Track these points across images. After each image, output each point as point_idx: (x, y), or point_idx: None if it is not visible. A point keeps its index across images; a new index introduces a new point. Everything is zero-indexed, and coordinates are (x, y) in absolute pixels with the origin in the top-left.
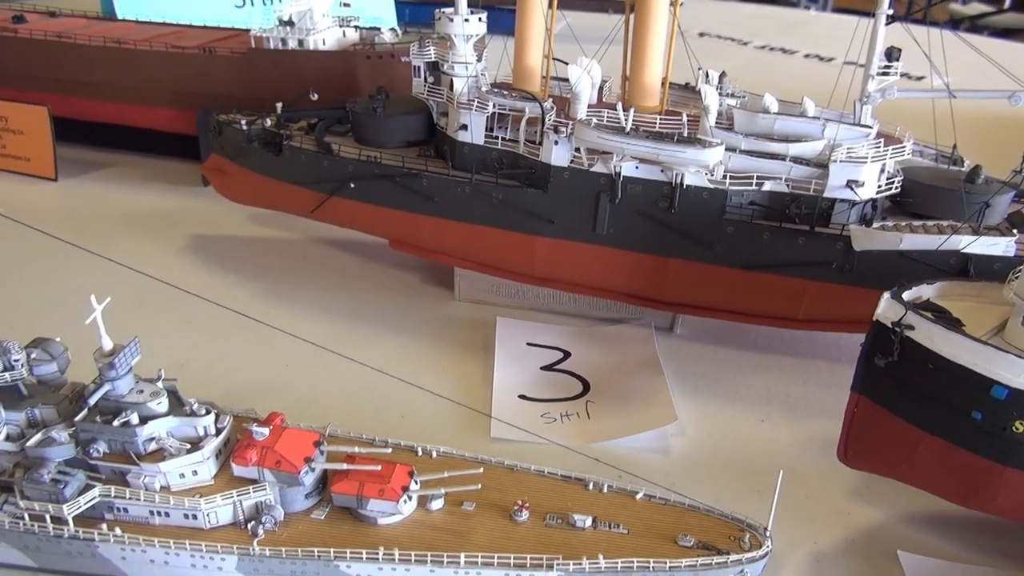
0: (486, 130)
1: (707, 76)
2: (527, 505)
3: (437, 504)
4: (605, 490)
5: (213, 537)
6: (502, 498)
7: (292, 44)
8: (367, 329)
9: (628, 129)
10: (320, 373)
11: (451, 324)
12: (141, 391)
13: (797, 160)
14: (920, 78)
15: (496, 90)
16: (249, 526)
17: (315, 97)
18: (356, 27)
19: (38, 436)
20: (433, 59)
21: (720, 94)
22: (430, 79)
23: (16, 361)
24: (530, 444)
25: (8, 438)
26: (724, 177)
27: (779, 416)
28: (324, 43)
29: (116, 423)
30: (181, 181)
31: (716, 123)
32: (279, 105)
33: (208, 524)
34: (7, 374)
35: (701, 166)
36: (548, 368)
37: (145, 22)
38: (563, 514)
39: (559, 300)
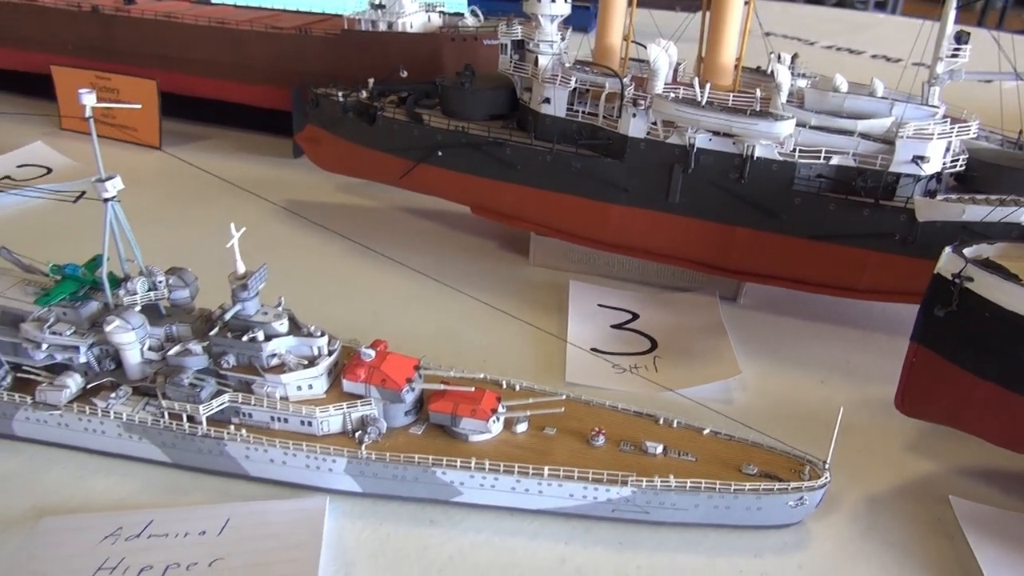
0: (567, 104)
1: (779, 58)
2: (603, 432)
3: (521, 427)
4: (675, 425)
5: (325, 442)
6: (580, 426)
7: (382, 27)
8: (448, 286)
9: (703, 103)
10: (404, 321)
11: (526, 286)
12: (266, 313)
13: (865, 136)
14: (989, 83)
15: (578, 66)
16: (356, 435)
17: (404, 74)
18: (440, 12)
19: (177, 347)
20: (519, 38)
21: (792, 74)
22: (515, 56)
23: (160, 283)
24: (602, 390)
25: (150, 348)
26: (793, 151)
27: (838, 379)
28: (411, 26)
29: (244, 339)
30: (272, 153)
31: (787, 101)
32: (371, 80)
33: (321, 431)
34: (152, 293)
35: (772, 138)
36: (618, 327)
37: (242, 6)
38: (636, 442)
39: (627, 268)
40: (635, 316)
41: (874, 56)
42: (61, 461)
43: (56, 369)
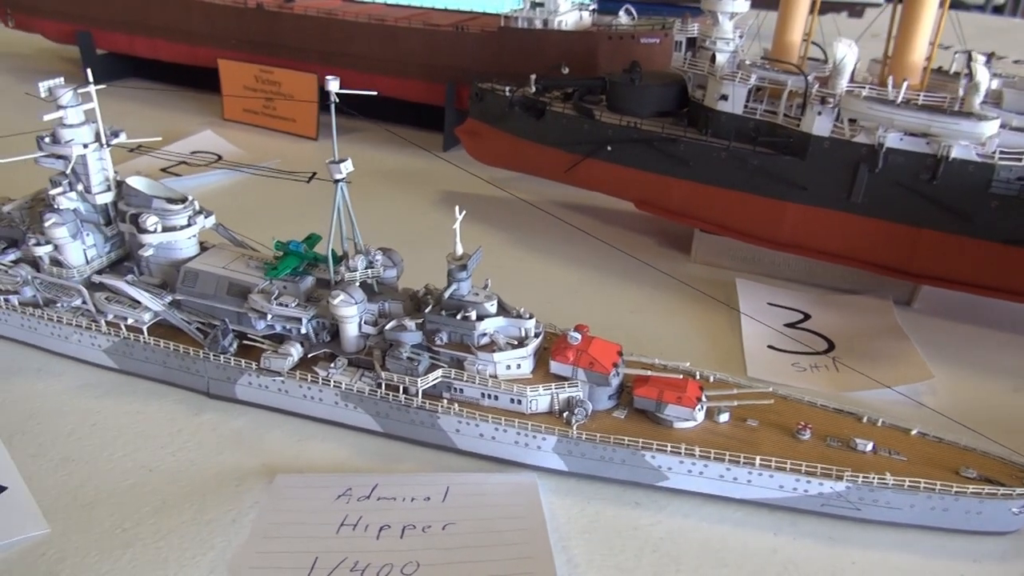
0: (744, 101)
1: (969, 56)
2: (810, 426)
3: (724, 417)
4: (879, 424)
5: (534, 420)
6: (781, 420)
7: (538, 24)
8: (612, 279)
9: (899, 101)
10: (576, 314)
11: (690, 282)
12: (477, 294)
13: None
14: None
15: (760, 63)
16: (563, 416)
17: (566, 71)
18: (592, 11)
19: (394, 323)
20: (695, 35)
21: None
22: (689, 54)
23: (376, 261)
24: (785, 386)
25: (365, 323)
26: (993, 152)
27: None
28: (565, 24)
29: (458, 318)
30: (423, 146)
31: (981, 101)
32: (533, 77)
33: (530, 410)
34: (368, 271)
35: (974, 139)
36: (791, 326)
37: (393, 4)
38: (844, 438)
39: (792, 268)
40: (807, 316)
41: (1017, 61)
42: (279, 424)
43: (273, 339)
